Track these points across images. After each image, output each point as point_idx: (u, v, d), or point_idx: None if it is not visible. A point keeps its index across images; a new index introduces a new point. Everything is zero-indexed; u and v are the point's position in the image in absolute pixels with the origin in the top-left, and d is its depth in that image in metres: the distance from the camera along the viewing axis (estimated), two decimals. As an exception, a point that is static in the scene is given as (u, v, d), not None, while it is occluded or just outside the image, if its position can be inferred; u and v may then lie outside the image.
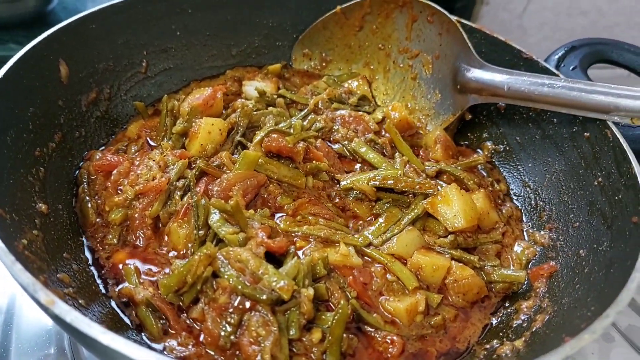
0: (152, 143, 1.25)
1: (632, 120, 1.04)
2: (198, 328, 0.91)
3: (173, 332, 0.90)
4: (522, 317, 0.99)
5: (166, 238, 1.05)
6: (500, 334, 0.97)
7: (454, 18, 1.32)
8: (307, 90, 1.41)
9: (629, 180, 0.99)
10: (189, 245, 1.03)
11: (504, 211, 1.20)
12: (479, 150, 1.35)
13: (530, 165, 1.25)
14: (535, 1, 2.35)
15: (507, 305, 1.03)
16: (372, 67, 1.45)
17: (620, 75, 1.48)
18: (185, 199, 1.07)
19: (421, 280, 1.02)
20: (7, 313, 1.15)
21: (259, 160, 1.14)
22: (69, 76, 1.16)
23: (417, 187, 1.13)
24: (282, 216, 1.11)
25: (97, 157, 1.15)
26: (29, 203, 0.97)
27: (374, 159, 1.22)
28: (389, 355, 0.92)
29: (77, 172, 1.14)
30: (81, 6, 2.30)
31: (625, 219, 0.95)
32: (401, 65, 1.40)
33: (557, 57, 1.33)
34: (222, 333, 0.87)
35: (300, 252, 1.02)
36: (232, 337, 0.87)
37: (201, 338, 0.90)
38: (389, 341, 0.93)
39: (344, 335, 0.89)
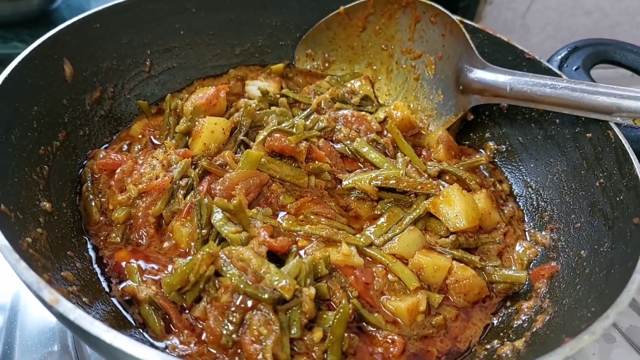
0: (155, 142, 1.25)
1: (634, 121, 1.04)
2: (200, 327, 0.91)
3: (175, 330, 0.91)
4: (523, 318, 0.99)
5: (169, 236, 1.06)
6: (501, 334, 0.98)
7: (457, 18, 1.32)
8: (309, 90, 1.42)
9: (630, 182, 0.99)
10: (192, 244, 1.04)
11: (505, 211, 1.20)
12: (481, 150, 1.35)
13: (532, 165, 1.25)
14: (538, 1, 2.35)
15: (508, 305, 1.04)
16: (374, 67, 1.45)
17: (623, 75, 1.48)
18: (188, 197, 1.07)
19: (422, 280, 1.03)
20: (12, 310, 1.16)
21: (262, 160, 1.14)
22: (73, 75, 1.16)
23: (419, 187, 1.13)
24: (285, 215, 1.12)
25: (101, 156, 1.16)
26: (33, 201, 0.98)
27: (375, 159, 1.22)
28: (390, 355, 0.93)
29: (81, 170, 1.15)
30: (85, 4, 2.30)
31: (626, 220, 0.95)
32: (404, 66, 1.41)
33: (559, 57, 1.33)
34: (224, 332, 0.88)
35: (302, 252, 1.03)
36: (234, 335, 0.87)
37: (203, 337, 0.90)
38: (390, 341, 0.94)
39: (345, 334, 0.90)
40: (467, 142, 1.38)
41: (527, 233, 1.18)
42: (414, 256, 1.05)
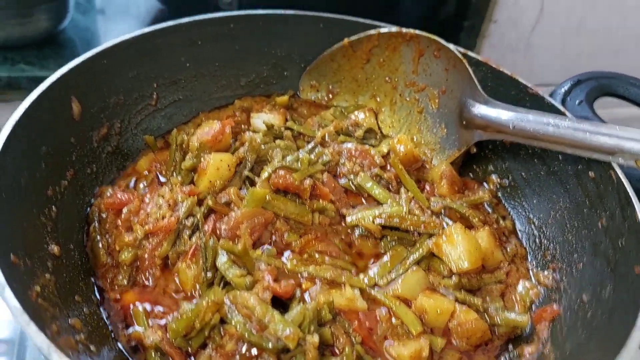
0: (161, 178, 1.27)
1: (637, 163, 1.05)
2: (206, 373, 0.93)
3: (181, 377, 0.92)
4: (525, 363, 1.00)
5: (175, 278, 1.08)
6: (504, 378, 0.99)
7: (461, 51, 1.34)
8: (314, 122, 1.43)
9: (632, 226, 1.00)
10: (197, 286, 1.05)
11: (508, 249, 1.21)
12: (484, 183, 1.36)
13: (535, 201, 1.26)
14: (543, 20, 2.35)
15: (510, 348, 1.04)
16: (378, 99, 1.46)
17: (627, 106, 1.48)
18: (193, 239, 1.09)
19: (425, 323, 1.04)
20: (20, 346, 1.18)
21: (267, 197, 1.15)
22: (81, 113, 1.18)
23: (422, 226, 1.14)
24: (289, 254, 1.13)
25: (108, 195, 1.17)
26: (41, 245, 0.99)
27: (379, 195, 1.23)
28: (393, 400, 0.94)
29: (88, 209, 1.16)
30: (91, 25, 2.32)
31: (628, 265, 0.96)
32: (407, 99, 1.42)
33: (563, 90, 1.34)
34: (229, 380, 0.89)
35: (306, 294, 1.04)
36: (239, 384, 0.89)
37: (209, 383, 0.92)
38: (393, 387, 0.95)
39: (349, 381, 0.91)
40: (470, 175, 1.38)
41: (530, 272, 1.19)
42: (417, 298, 1.06)
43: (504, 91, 1.32)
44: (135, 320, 1.00)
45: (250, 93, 1.50)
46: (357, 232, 1.19)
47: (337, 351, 0.96)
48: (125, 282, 1.07)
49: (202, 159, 1.22)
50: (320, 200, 1.19)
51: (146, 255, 1.09)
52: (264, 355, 0.89)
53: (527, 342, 1.04)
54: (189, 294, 1.05)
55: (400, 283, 1.08)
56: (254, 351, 0.90)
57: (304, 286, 1.05)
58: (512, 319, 1.07)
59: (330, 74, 1.48)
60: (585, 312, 0.99)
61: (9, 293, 0.75)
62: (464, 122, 1.29)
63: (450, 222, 1.19)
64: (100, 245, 1.11)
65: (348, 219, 1.19)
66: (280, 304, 1.00)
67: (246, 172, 1.24)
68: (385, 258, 1.13)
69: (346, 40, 1.41)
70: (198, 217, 1.12)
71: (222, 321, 0.95)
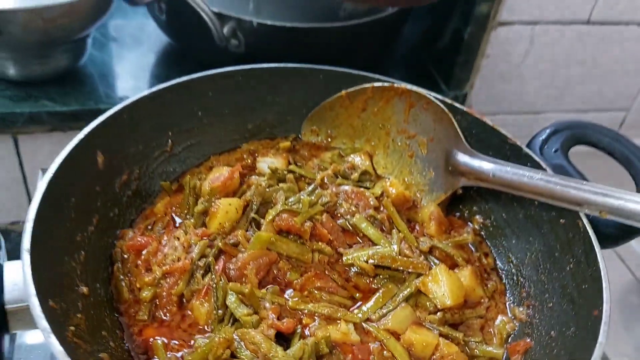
0: (176, 219, 1.40)
1: (601, 214, 1.18)
2: (218, 402, 1.06)
3: (196, 405, 1.06)
4: (499, 392, 1.13)
5: (189, 314, 1.21)
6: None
7: (447, 102, 1.47)
8: (314, 165, 1.56)
9: (595, 272, 1.13)
10: (209, 321, 1.19)
11: (489, 285, 1.34)
12: (469, 222, 1.49)
13: (513, 241, 1.39)
14: (533, 53, 2.48)
15: (486, 379, 1.18)
16: (373, 143, 1.60)
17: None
18: (206, 279, 1.22)
19: (412, 355, 1.17)
20: (49, 372, 1.31)
21: (271, 239, 1.29)
22: (105, 163, 1.31)
23: (411, 267, 1.28)
24: (291, 292, 1.26)
25: (129, 237, 1.31)
26: (72, 287, 1.12)
27: (373, 235, 1.36)
28: None
29: (111, 250, 1.30)
30: (108, 60, 2.45)
31: (589, 309, 1.09)
32: (399, 144, 1.55)
33: (541, 139, 1.47)
34: (239, 409, 1.03)
35: (306, 330, 1.17)
36: (246, 413, 1.02)
37: (220, 411, 1.05)
38: (382, 415, 1.08)
39: (342, 410, 1.04)
40: (457, 214, 1.52)
41: (507, 306, 1.32)
42: (405, 332, 1.19)
43: (487, 139, 1.46)
44: (156, 353, 1.13)
45: (256, 136, 1.64)
46: (352, 270, 1.32)
47: (332, 383, 1.10)
48: (145, 317, 1.20)
49: (212, 204, 1.36)
50: (319, 243, 1.32)
51: (164, 294, 1.22)
52: (268, 387, 1.03)
53: (501, 373, 1.17)
54: (202, 327, 1.18)
55: (390, 318, 1.22)
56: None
57: (304, 322, 1.19)
58: (490, 350, 1.20)
59: (329, 121, 1.62)
60: (552, 349, 1.12)
61: (53, 339, 0.89)
62: (450, 168, 1.42)
63: (437, 261, 1.33)
64: (124, 283, 1.24)
65: (344, 258, 1.32)
66: (283, 337, 1.14)
67: (252, 215, 1.37)
68: (378, 294, 1.27)
69: (344, 92, 1.55)
70: (210, 258, 1.25)
71: (233, 355, 1.08)
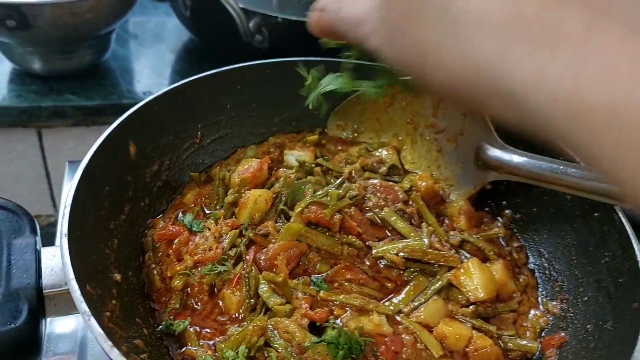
0: (206, 210, 1.40)
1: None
2: (252, 391, 1.06)
3: (231, 394, 1.05)
4: (534, 385, 1.12)
5: (220, 303, 1.21)
6: (515, 400, 1.11)
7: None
8: (341, 159, 1.56)
9: (632, 265, 1.11)
10: (240, 310, 1.18)
11: (521, 280, 1.33)
12: (499, 217, 1.48)
13: (545, 236, 1.38)
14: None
15: (520, 372, 1.17)
16: (400, 138, 1.59)
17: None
18: (237, 268, 1.22)
19: (445, 348, 1.16)
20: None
21: (301, 231, 1.28)
22: (136, 153, 1.32)
23: (442, 260, 1.27)
24: (320, 280, 1.25)
25: (160, 226, 1.31)
26: (107, 274, 1.13)
27: (403, 229, 1.35)
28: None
29: (142, 239, 1.30)
30: (129, 55, 2.48)
31: (627, 302, 1.08)
32: (427, 138, 1.54)
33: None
34: (273, 397, 1.02)
35: (338, 320, 1.17)
36: (281, 401, 1.02)
37: (254, 400, 1.05)
38: (417, 406, 1.07)
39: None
40: (486, 209, 1.50)
41: (539, 301, 1.30)
42: (438, 325, 1.18)
43: (517, 136, 1.44)
44: (189, 340, 1.13)
45: (283, 130, 1.64)
46: (382, 263, 1.31)
47: (366, 372, 1.09)
48: (177, 305, 1.20)
49: (242, 195, 1.36)
50: (349, 236, 1.32)
51: (195, 282, 1.22)
52: (303, 375, 1.03)
53: (536, 366, 1.16)
54: (233, 316, 1.18)
55: (423, 310, 1.20)
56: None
57: (335, 313, 1.18)
58: (524, 344, 1.19)
59: (356, 115, 1.61)
60: (588, 343, 1.11)
61: (93, 322, 0.89)
62: (480, 163, 1.41)
63: (467, 255, 1.32)
64: (155, 272, 1.24)
65: (374, 251, 1.31)
66: (316, 328, 1.13)
67: (281, 206, 1.37)
68: (409, 287, 1.26)
69: (372, 85, 1.54)
70: (241, 248, 1.25)
71: (266, 344, 1.08)
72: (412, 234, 1.34)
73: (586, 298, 1.20)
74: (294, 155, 1.54)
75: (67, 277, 0.94)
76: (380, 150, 1.59)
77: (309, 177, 1.46)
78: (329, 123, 1.65)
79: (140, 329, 1.11)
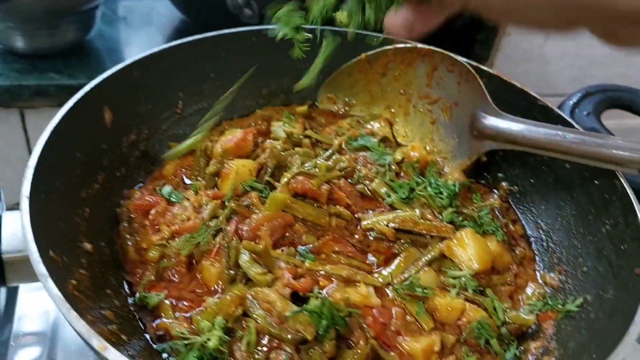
0: (187, 181, 1.34)
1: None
2: (228, 363, 0.99)
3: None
4: (530, 358, 1.05)
5: (198, 275, 1.14)
6: (510, 373, 1.04)
7: (473, 64, 1.39)
8: (331, 131, 1.49)
9: (634, 232, 1.04)
10: (220, 282, 1.11)
11: (517, 252, 1.26)
12: (495, 190, 1.41)
13: (543, 207, 1.31)
14: (556, 32, 2.39)
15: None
16: (393, 110, 1.52)
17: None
18: (217, 239, 1.15)
19: (437, 320, 1.09)
20: (52, 340, 1.25)
21: (287, 201, 1.22)
22: (112, 121, 1.25)
23: (434, 230, 1.20)
24: (306, 251, 1.18)
25: (137, 197, 1.25)
26: (76, 243, 1.06)
27: (394, 200, 1.29)
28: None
29: (117, 210, 1.23)
30: (116, 34, 2.41)
31: (629, 269, 1.01)
32: (421, 110, 1.48)
33: (571, 102, 1.40)
34: (251, 369, 0.95)
35: (323, 291, 1.10)
36: (260, 373, 0.95)
37: (231, 372, 0.98)
38: (405, 380, 1.01)
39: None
40: (482, 182, 1.44)
41: (537, 273, 1.24)
42: (429, 296, 1.11)
43: (515, 102, 1.37)
44: (163, 313, 1.06)
45: (271, 102, 1.58)
46: (371, 235, 1.24)
47: (352, 344, 1.02)
48: (152, 277, 1.13)
49: (225, 165, 1.29)
50: (337, 206, 1.25)
51: (172, 254, 1.15)
52: (283, 346, 0.96)
53: (533, 338, 1.09)
54: (212, 289, 1.11)
55: (413, 282, 1.14)
56: (274, 343, 0.96)
57: (321, 283, 1.11)
58: (520, 317, 1.12)
59: (347, 87, 1.54)
60: (588, 313, 1.04)
61: (50, 283, 0.82)
62: (475, 132, 1.34)
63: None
64: (130, 243, 1.18)
65: (363, 223, 1.25)
66: (299, 298, 1.06)
67: (267, 178, 1.30)
68: (399, 258, 1.19)
69: (364, 55, 1.47)
70: (221, 218, 1.18)
71: (245, 314, 1.01)
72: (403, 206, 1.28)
73: (585, 268, 1.13)
74: (282, 127, 1.47)
75: (26, 238, 0.87)
76: (372, 122, 1.52)
77: (296, 149, 1.39)
78: (320, 96, 1.58)
79: (110, 300, 1.04)
